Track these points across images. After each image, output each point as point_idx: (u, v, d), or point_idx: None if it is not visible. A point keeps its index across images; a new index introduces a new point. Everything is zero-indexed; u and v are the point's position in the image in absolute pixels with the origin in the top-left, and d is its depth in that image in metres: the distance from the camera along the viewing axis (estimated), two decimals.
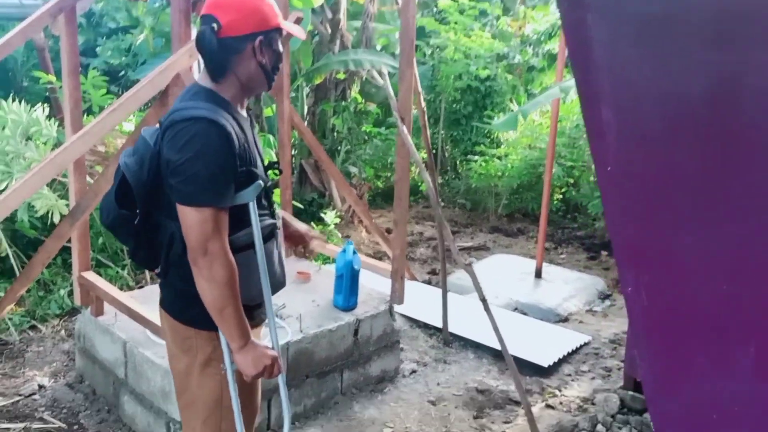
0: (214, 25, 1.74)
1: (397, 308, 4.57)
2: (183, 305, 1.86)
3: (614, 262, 6.57)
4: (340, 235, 6.43)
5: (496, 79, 9.20)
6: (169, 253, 1.81)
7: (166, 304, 1.94)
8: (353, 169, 7.15)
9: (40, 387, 3.46)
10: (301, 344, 3.19)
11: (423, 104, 3.61)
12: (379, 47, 10.60)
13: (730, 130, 1.59)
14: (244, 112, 1.90)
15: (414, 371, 3.86)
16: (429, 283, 5.72)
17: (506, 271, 5.96)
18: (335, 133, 7.53)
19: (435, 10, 10.76)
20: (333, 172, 4.40)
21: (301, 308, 3.47)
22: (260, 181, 1.80)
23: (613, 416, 3.44)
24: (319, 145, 4.29)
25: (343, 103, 7.32)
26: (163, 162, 1.70)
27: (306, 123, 7.66)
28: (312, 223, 6.21)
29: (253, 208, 1.81)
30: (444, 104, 9.20)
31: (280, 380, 1.99)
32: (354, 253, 3.52)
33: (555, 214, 8.42)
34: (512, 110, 9.32)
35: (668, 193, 1.78)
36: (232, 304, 1.71)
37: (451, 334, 4.32)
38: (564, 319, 5.03)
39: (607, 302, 5.57)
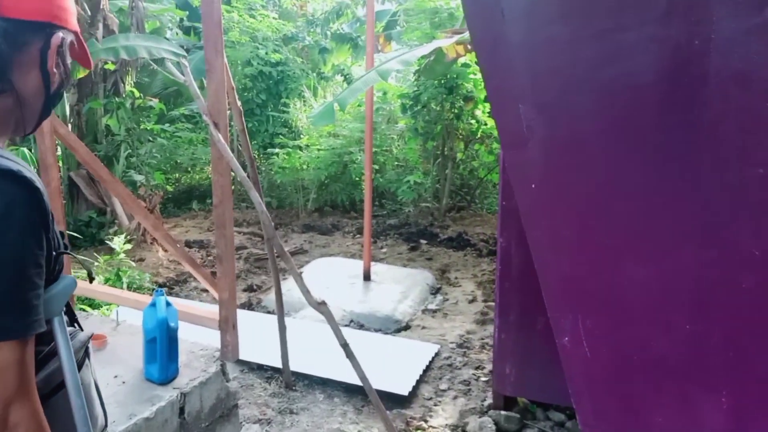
0: None
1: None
2: None
3: (435, 263, 6.36)
4: (132, 262, 5.35)
5: (288, 63, 8.52)
6: None
7: None
8: (138, 177, 6.02)
9: None
10: None
11: (239, 103, 2.84)
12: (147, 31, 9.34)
13: (691, 128, 1.16)
14: None
15: None
16: (249, 305, 4.95)
17: (332, 277, 5.40)
18: (110, 136, 6.29)
19: None
20: (117, 188, 3.42)
21: (102, 392, 2.54)
22: (72, 276, 1.05)
23: None
24: (95, 159, 3.28)
25: (117, 99, 6.12)
26: None
27: (70, 126, 6.30)
28: (93, 252, 5.04)
29: (60, 326, 1.03)
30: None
31: None
32: (168, 305, 2.66)
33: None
34: (305, 96, 8.76)
35: (614, 213, 1.33)
36: None
37: (293, 373, 3.64)
38: (405, 327, 4.62)
39: (440, 297, 5.29)
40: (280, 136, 8.24)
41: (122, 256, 4.47)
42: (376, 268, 5.57)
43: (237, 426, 3.02)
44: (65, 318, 1.15)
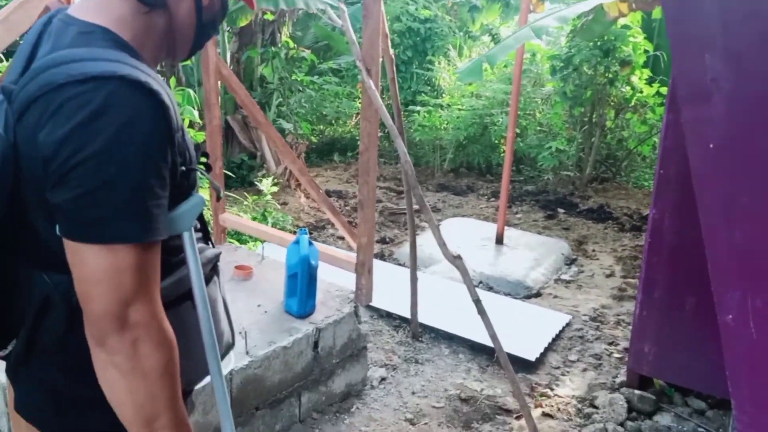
0: None
1: None
2: (68, 415, 1.08)
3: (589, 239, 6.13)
4: (278, 205, 5.63)
5: (436, 21, 8.43)
6: (37, 330, 1.02)
7: (31, 410, 1.13)
8: (287, 125, 6.29)
9: None
10: (248, 370, 2.47)
11: (391, 51, 2.85)
12: None
13: None
14: None
15: (383, 379, 3.21)
16: (381, 256, 5.05)
17: (464, 238, 5.37)
18: (264, 84, 6.59)
19: None
20: (271, 132, 3.58)
21: (245, 318, 2.73)
22: (202, 195, 1.06)
23: (621, 423, 2.93)
24: (253, 102, 3.45)
25: (273, 49, 6.38)
26: (36, 161, 0.90)
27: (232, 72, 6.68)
28: (244, 192, 5.37)
29: (189, 239, 1.06)
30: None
31: None
32: (310, 244, 2.77)
33: (501, 167, 7.90)
34: (450, 56, 8.63)
35: None
36: (171, 408, 0.96)
37: (420, 325, 3.69)
38: (536, 294, 4.51)
39: (574, 268, 5.09)
40: (423, 94, 8.22)
41: (268, 198, 4.71)
42: (510, 233, 5.46)
43: (365, 367, 3.12)
44: (199, 235, 1.20)
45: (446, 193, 7.10)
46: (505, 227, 5.38)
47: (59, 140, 0.86)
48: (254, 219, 4.61)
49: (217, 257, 1.22)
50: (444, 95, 8.31)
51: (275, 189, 4.93)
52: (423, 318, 3.71)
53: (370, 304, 3.83)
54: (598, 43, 6.26)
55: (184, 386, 1.07)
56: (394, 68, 2.89)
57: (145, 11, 1.01)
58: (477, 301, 2.57)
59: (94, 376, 0.96)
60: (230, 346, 1.30)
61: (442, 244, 2.58)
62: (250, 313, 2.78)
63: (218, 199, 1.37)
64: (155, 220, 0.91)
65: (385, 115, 2.64)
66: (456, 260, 2.57)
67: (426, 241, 5.35)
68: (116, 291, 0.89)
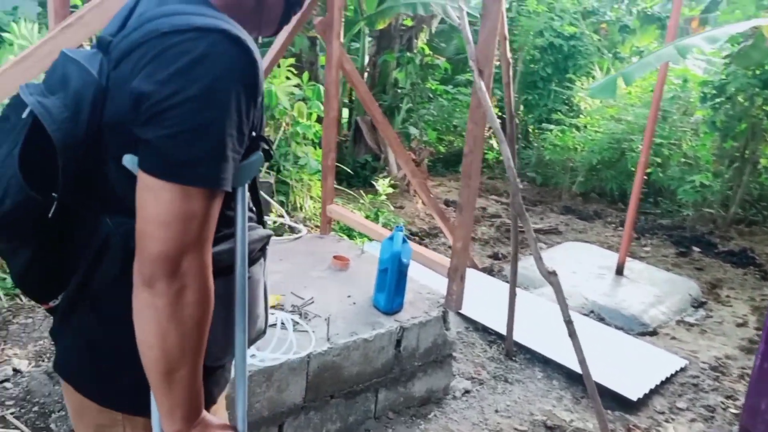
0: None
1: None
2: (101, 368, 1.10)
3: (711, 261, 5.63)
4: (392, 206, 5.68)
5: (581, 38, 8.12)
6: (93, 274, 1.07)
7: (67, 368, 1.16)
8: (414, 131, 6.32)
9: (16, 372, 2.87)
10: (326, 356, 2.48)
11: (509, 54, 2.76)
12: None
13: None
14: None
15: (467, 391, 3.11)
16: (491, 272, 4.92)
17: (581, 264, 5.10)
18: (396, 89, 6.68)
19: None
20: (388, 133, 3.61)
21: (332, 306, 2.75)
22: (261, 153, 1.05)
23: None
24: (372, 101, 3.50)
25: (408, 54, 6.45)
26: (122, 103, 0.94)
27: (366, 75, 6.84)
28: (361, 191, 5.45)
29: (242, 198, 1.06)
30: (520, 63, 8.20)
31: None
32: (404, 242, 2.75)
33: None
34: (595, 76, 8.27)
35: None
36: (193, 362, 0.98)
37: (516, 344, 3.53)
38: (652, 332, 4.17)
39: (702, 312, 4.65)
40: (559, 113, 7.95)
41: (383, 198, 4.74)
42: (633, 264, 5.11)
43: (449, 376, 3.04)
44: (252, 215, 1.20)
45: (571, 216, 6.80)
46: (629, 258, 5.04)
47: (160, 81, 0.89)
48: (367, 217, 4.66)
49: (267, 238, 1.22)
50: (582, 116, 7.98)
51: (391, 190, 4.96)
52: (520, 337, 3.55)
53: (468, 315, 3.74)
54: (757, 72, 5.71)
55: (212, 359, 1.09)
56: (510, 72, 2.80)
57: None
58: (568, 322, 2.41)
59: (133, 328, 0.98)
60: (261, 332, 1.27)
61: (538, 258, 2.45)
62: (339, 303, 2.81)
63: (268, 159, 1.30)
64: (229, 170, 0.94)
65: (492, 117, 2.56)
66: (550, 276, 2.43)
67: (543, 258, 5.15)
68: (180, 236, 0.91)
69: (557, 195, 7.55)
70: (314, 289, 2.89)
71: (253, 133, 1.01)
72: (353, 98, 7.32)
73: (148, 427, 1.08)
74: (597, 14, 8.58)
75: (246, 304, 1.11)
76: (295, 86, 4.47)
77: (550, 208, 7.02)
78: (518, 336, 3.54)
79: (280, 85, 4.35)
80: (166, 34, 0.91)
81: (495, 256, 5.47)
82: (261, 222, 1.23)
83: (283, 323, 2.48)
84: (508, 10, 8.44)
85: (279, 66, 4.85)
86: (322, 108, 4.28)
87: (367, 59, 6.69)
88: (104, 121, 0.97)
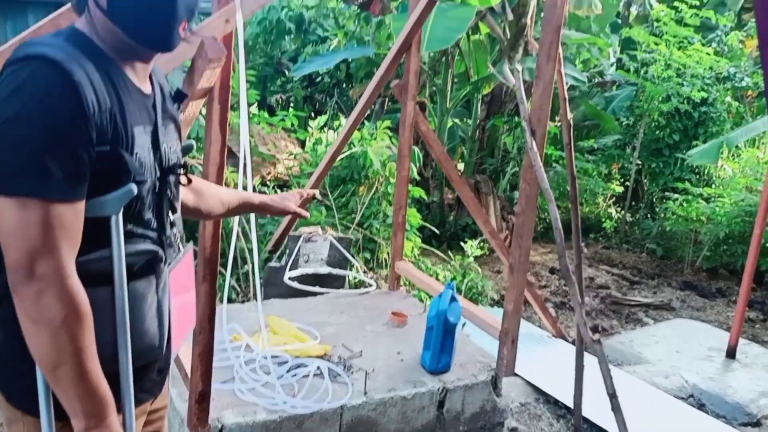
0: None
1: (525, 374, 3.67)
2: (6, 369, 1.22)
3: None
4: (487, 270, 5.60)
5: (714, 105, 7.65)
6: None
7: None
8: (517, 195, 6.25)
9: None
10: (361, 410, 2.50)
11: (569, 115, 2.72)
12: (578, 61, 9.53)
13: None
14: (146, 85, 1.27)
15: None
16: (586, 348, 4.65)
17: (687, 344, 4.68)
18: (504, 153, 6.68)
19: (650, 23, 9.36)
20: (464, 192, 3.64)
21: (379, 361, 2.78)
22: (133, 186, 1.15)
23: None
24: (448, 160, 3.56)
25: (517, 119, 6.45)
26: None
27: (475, 139, 6.92)
28: (449, 252, 5.44)
29: (115, 224, 1.16)
30: (644, 129, 7.87)
31: None
32: (452, 300, 2.73)
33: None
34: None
35: None
36: (73, 360, 1.08)
37: (586, 421, 3.30)
38: (755, 423, 3.72)
39: None
40: (686, 182, 7.48)
41: (470, 260, 4.72)
42: (749, 348, 4.61)
43: None
44: (151, 231, 1.26)
45: (690, 292, 6.29)
46: (745, 341, 4.57)
47: None
48: (453, 278, 4.65)
49: (154, 255, 1.27)
50: (713, 185, 7.45)
51: (479, 252, 4.92)
52: (594, 414, 3.32)
53: (538, 386, 3.57)
54: None
55: (106, 364, 1.15)
56: (571, 133, 2.74)
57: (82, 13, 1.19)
58: (612, 396, 2.25)
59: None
60: (153, 348, 1.30)
61: (582, 324, 2.33)
62: (386, 358, 2.83)
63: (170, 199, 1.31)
64: (57, 181, 1.05)
65: (542, 178, 2.52)
66: (593, 344, 2.30)
67: (640, 336, 4.83)
68: (25, 243, 1.04)
69: (679, 269, 7.03)
70: (366, 342, 2.94)
71: (106, 147, 1.10)
72: (463, 157, 7.40)
73: (38, 426, 1.18)
74: (733, 79, 8.07)
75: (125, 316, 1.19)
76: (387, 147, 4.65)
77: (668, 282, 6.55)
78: (592, 413, 3.31)
79: (372, 146, 4.55)
80: (9, 63, 1.09)
81: (595, 329, 5.19)
82: (159, 242, 1.29)
83: (319, 370, 2.54)
84: (635, 74, 8.20)
85: (377, 128, 5.08)
86: (413, 168, 4.40)
87: (477, 123, 6.77)
88: None
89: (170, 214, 1.32)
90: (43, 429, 1.16)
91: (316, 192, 1.87)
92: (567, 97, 2.70)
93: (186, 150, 1.43)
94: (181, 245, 1.40)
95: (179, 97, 1.38)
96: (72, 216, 1.08)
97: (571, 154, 2.78)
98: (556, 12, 2.46)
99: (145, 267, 1.25)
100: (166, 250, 1.30)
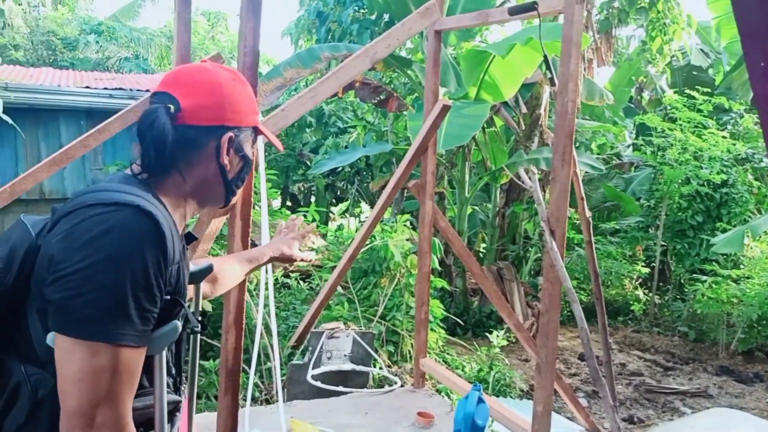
0: (171, 107, 1.21)
1: None
2: None
3: None
4: (515, 359, 5.50)
5: (735, 186, 7.65)
6: (3, 419, 1.15)
7: None
8: (540, 281, 6.21)
9: None
10: None
11: (588, 213, 2.75)
12: (594, 145, 9.67)
13: None
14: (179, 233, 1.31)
15: None
16: None
17: None
18: (525, 239, 6.69)
19: (663, 108, 9.53)
20: (486, 285, 3.63)
21: None
22: (177, 323, 1.16)
23: None
24: (469, 255, 3.57)
25: (536, 205, 6.50)
26: (43, 261, 1.09)
27: (495, 225, 6.96)
28: (474, 342, 5.37)
29: (159, 364, 1.17)
30: (666, 211, 7.85)
31: None
32: (480, 402, 2.68)
33: None
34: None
35: None
36: None
37: None
38: None
39: None
40: (713, 263, 7.38)
41: (497, 350, 4.65)
42: None
43: None
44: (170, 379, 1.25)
45: (726, 377, 6.07)
46: None
47: (71, 248, 1.05)
48: (479, 372, 4.57)
49: (175, 405, 1.26)
50: (742, 266, 7.34)
51: (504, 342, 4.84)
52: None
53: None
54: None
55: None
56: (591, 231, 2.76)
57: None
58: None
59: None
60: None
61: (611, 407, 2.26)
62: None
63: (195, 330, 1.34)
64: (134, 327, 1.05)
65: (565, 277, 2.52)
66: None
67: (679, 427, 4.67)
68: (91, 391, 1.02)
69: (714, 353, 6.82)
70: None
71: (168, 297, 1.12)
72: (480, 250, 7.42)
73: None
74: (752, 161, 8.10)
75: None
76: (407, 239, 4.69)
77: (704, 367, 6.34)
78: None
79: (393, 238, 4.60)
80: (90, 206, 1.08)
81: (630, 420, 5.01)
82: (177, 389, 1.29)
83: None
84: (653, 157, 8.27)
85: (396, 221, 5.15)
86: (435, 260, 4.42)
87: (496, 210, 6.83)
88: (33, 276, 1.11)
89: (182, 362, 1.33)
90: None
91: (313, 227, 1.89)
92: (584, 195, 2.74)
93: (206, 272, 1.47)
94: (184, 391, 1.39)
95: (189, 239, 1.40)
96: (137, 362, 1.08)
97: (592, 250, 2.80)
98: (568, 118, 2.54)
99: (168, 415, 1.23)
100: (180, 397, 1.30)
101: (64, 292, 1.04)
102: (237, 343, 1.92)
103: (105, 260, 1.03)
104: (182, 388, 1.33)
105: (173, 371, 1.27)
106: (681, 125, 7.78)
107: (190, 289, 1.41)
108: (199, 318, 1.35)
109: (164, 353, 1.17)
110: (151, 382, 1.18)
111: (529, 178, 2.82)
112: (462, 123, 4.75)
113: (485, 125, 6.07)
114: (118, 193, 1.11)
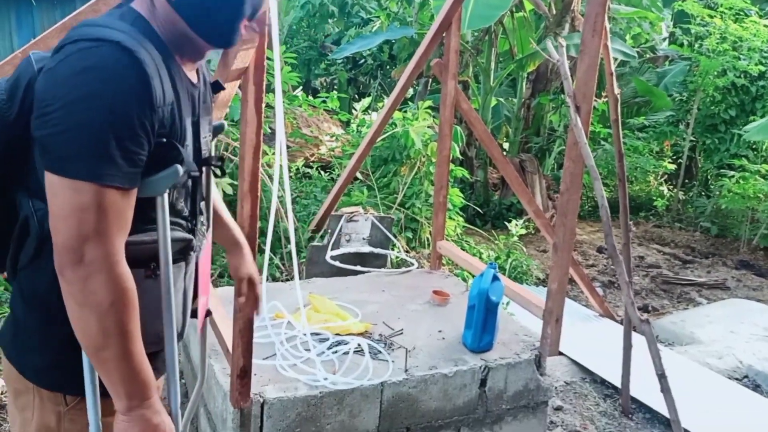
0: None
1: (571, 354, 3.62)
2: (18, 340, 1.23)
3: None
4: (533, 249, 5.53)
5: None
6: (18, 253, 1.20)
7: (2, 335, 1.28)
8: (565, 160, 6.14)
9: None
10: (402, 387, 2.50)
11: (617, 90, 2.64)
12: (628, 36, 9.23)
13: None
14: (193, 75, 1.25)
15: None
16: (633, 327, 4.56)
17: (743, 324, 4.53)
18: (550, 131, 6.55)
19: None
20: (508, 172, 3.58)
21: (420, 339, 2.78)
22: (178, 167, 1.14)
23: None
24: (491, 139, 3.50)
25: (563, 96, 6.31)
26: (35, 99, 1.07)
27: (520, 118, 6.81)
28: (493, 232, 5.39)
29: (161, 205, 1.16)
30: (698, 105, 7.58)
31: None
32: (494, 279, 2.70)
33: None
34: None
35: None
36: (117, 343, 1.07)
37: (634, 401, 3.24)
38: None
39: None
40: (743, 159, 7.19)
41: (515, 238, 4.66)
42: None
43: (543, 424, 2.88)
44: (182, 221, 1.26)
45: (746, 271, 6.07)
46: None
47: (53, 83, 1.04)
48: (497, 259, 4.61)
49: (188, 243, 1.28)
50: None
51: (523, 231, 4.85)
52: (642, 394, 3.25)
53: (585, 365, 3.52)
54: None
55: (151, 343, 1.19)
56: (618, 109, 2.66)
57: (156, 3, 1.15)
58: (661, 376, 2.20)
59: (45, 309, 1.14)
60: (178, 334, 1.31)
61: (630, 303, 2.28)
62: (427, 337, 2.82)
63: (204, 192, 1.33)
64: (117, 168, 1.04)
65: (588, 155, 2.45)
66: (642, 324, 2.24)
67: (693, 316, 4.71)
68: (77, 227, 1.03)
69: (734, 248, 6.79)
70: (407, 321, 2.94)
71: (164, 140, 1.10)
72: (503, 143, 7.30)
73: (53, 400, 1.22)
74: None
75: (172, 302, 1.21)
76: (428, 127, 4.61)
77: (723, 261, 6.33)
78: (640, 393, 3.25)
79: (414, 126, 4.52)
80: (75, 41, 1.05)
81: (644, 309, 5.07)
82: (191, 230, 1.30)
83: (360, 347, 2.56)
84: (689, 49, 7.90)
85: (418, 108, 5.04)
86: (456, 149, 4.36)
87: (522, 101, 6.65)
88: (32, 112, 1.09)
89: (201, 203, 1.33)
90: (89, 411, 1.18)
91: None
92: (614, 72, 2.62)
93: (218, 130, 1.44)
94: (206, 233, 1.40)
95: (217, 88, 1.37)
96: (125, 203, 1.08)
97: (618, 129, 2.71)
98: None
99: (177, 254, 1.25)
100: (196, 237, 1.32)
101: (46, 129, 1.04)
102: (252, 210, 1.92)
103: (83, 98, 1.02)
104: (199, 229, 1.34)
105: (186, 213, 1.27)
106: (722, 13, 7.35)
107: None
108: (218, 163, 1.33)
109: (165, 195, 1.16)
110: (151, 221, 1.18)
111: (558, 52, 2.69)
112: (489, 2, 4.52)
113: (513, 9, 5.79)
114: (105, 29, 1.07)
